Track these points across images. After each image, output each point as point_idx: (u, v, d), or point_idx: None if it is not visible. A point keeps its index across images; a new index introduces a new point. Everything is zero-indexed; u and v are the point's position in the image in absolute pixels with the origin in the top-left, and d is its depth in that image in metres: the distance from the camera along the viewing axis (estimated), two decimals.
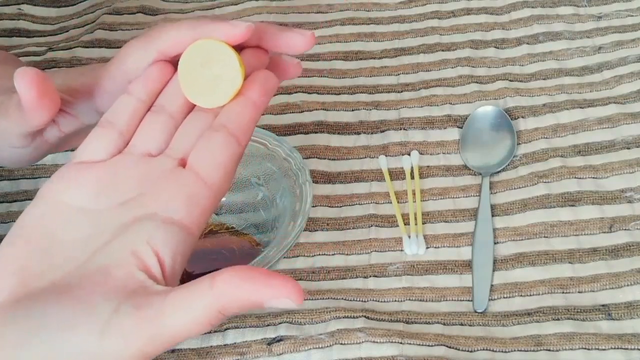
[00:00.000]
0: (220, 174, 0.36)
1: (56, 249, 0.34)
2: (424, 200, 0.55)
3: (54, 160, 0.61)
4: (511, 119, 0.59)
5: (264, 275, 0.31)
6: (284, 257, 0.52)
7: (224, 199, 0.55)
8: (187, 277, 0.51)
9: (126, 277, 0.32)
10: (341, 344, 0.46)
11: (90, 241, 0.34)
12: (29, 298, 0.32)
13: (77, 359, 0.31)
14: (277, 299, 0.31)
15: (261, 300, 0.31)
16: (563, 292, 0.49)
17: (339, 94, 0.63)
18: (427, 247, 0.52)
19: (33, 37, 0.72)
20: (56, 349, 0.31)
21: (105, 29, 0.70)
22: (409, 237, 0.53)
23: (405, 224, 0.54)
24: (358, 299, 0.50)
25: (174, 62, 0.39)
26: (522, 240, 0.52)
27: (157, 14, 0.72)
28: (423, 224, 0.54)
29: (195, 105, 0.39)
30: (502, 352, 0.46)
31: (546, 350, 0.46)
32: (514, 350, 0.46)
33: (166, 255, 0.33)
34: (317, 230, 0.54)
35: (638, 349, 0.45)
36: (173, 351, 0.48)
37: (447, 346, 0.46)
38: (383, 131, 0.60)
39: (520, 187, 0.55)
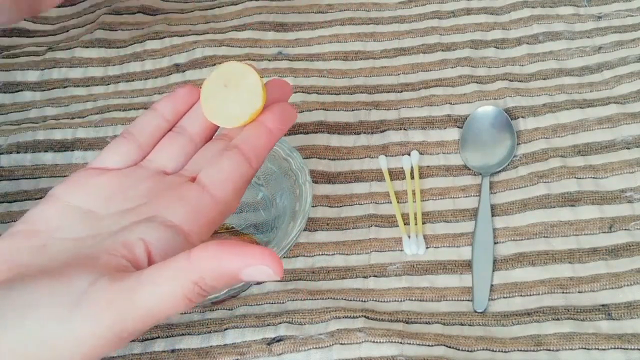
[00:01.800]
0: (227, 189, 0.36)
1: (52, 245, 0.34)
2: (424, 200, 0.55)
3: (54, 160, 0.61)
4: (511, 119, 0.59)
5: (240, 244, 0.31)
6: (284, 257, 0.52)
7: None
8: None
9: (111, 260, 0.32)
10: (341, 344, 0.46)
11: (87, 240, 0.34)
12: (10, 281, 0.32)
13: (46, 336, 0.30)
14: (253, 267, 0.31)
15: (237, 268, 0.31)
16: (563, 292, 0.49)
17: (339, 94, 0.63)
18: (427, 247, 0.52)
19: (33, 37, 0.72)
20: (27, 325, 0.30)
21: (105, 29, 0.70)
22: (409, 237, 0.53)
23: (405, 224, 0.54)
24: (358, 299, 0.50)
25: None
26: (522, 240, 0.52)
27: (157, 14, 0.72)
28: (423, 224, 0.54)
29: (216, 131, 0.40)
30: (502, 352, 0.46)
31: (546, 350, 0.46)
32: (514, 350, 0.46)
33: (157, 253, 0.33)
34: (317, 230, 0.54)
35: (638, 349, 0.45)
36: (173, 351, 0.48)
37: (447, 346, 0.46)
38: (383, 131, 0.60)
39: (520, 187, 0.55)
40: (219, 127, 0.41)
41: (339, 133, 0.60)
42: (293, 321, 0.48)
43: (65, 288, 0.31)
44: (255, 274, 0.31)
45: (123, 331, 0.31)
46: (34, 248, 0.34)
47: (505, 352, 0.46)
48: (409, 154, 0.58)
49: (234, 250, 0.31)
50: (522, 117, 0.59)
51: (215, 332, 0.48)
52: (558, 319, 0.47)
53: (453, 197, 0.55)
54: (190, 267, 0.30)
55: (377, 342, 0.46)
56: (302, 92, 0.63)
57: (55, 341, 0.30)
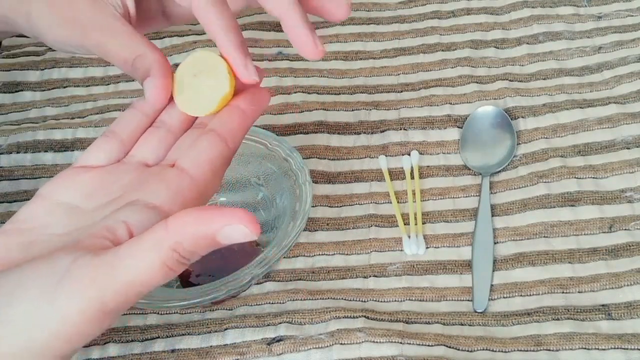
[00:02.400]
0: (205, 170, 0.38)
1: (40, 241, 0.35)
2: (424, 200, 0.55)
3: (54, 160, 0.61)
4: (511, 119, 0.59)
5: (215, 208, 0.32)
6: (284, 257, 0.52)
7: (223, 198, 0.56)
8: (187, 276, 0.51)
9: (93, 242, 0.33)
10: (341, 344, 0.46)
11: (73, 233, 0.35)
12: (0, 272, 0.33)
13: (35, 316, 0.31)
14: (229, 226, 0.31)
15: (213, 230, 0.31)
16: (563, 292, 0.49)
17: (339, 94, 0.63)
18: (427, 247, 0.52)
19: None
20: (14, 306, 0.31)
21: None
22: (409, 237, 0.53)
23: (405, 224, 0.54)
24: (358, 299, 0.50)
25: None
26: (522, 240, 0.52)
27: None
28: (423, 224, 0.54)
29: (194, 122, 0.41)
30: (502, 352, 0.46)
31: (546, 350, 0.46)
32: (514, 350, 0.46)
33: (139, 233, 0.33)
34: (317, 230, 0.54)
35: (638, 349, 0.45)
36: (173, 351, 0.48)
37: (447, 346, 0.46)
38: (383, 131, 0.60)
39: (520, 187, 0.55)
40: (197, 117, 0.42)
41: (339, 133, 0.60)
42: (293, 321, 0.48)
43: (50, 268, 0.32)
44: (231, 233, 0.31)
45: (105, 305, 0.31)
46: (23, 244, 0.35)
47: (505, 352, 0.46)
48: (409, 154, 0.58)
49: (208, 212, 0.31)
50: (522, 117, 0.59)
51: (215, 332, 0.48)
52: (558, 319, 0.47)
53: (453, 197, 0.55)
54: (167, 235, 0.31)
55: (377, 342, 0.46)
56: (302, 92, 0.63)
57: (43, 320, 0.31)
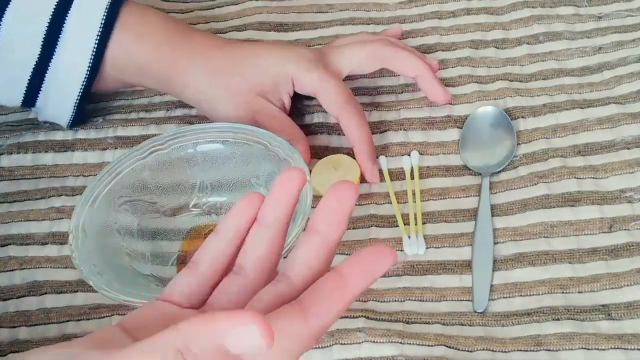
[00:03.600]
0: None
1: None
2: (424, 201, 0.55)
3: (54, 160, 0.61)
4: (511, 119, 0.59)
5: (227, 310, 0.28)
6: (284, 257, 0.52)
7: (224, 198, 0.56)
8: None
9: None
10: (341, 344, 0.46)
11: None
12: None
13: None
14: (236, 329, 0.28)
15: (217, 332, 0.28)
16: (563, 292, 0.49)
17: None
18: (427, 247, 0.52)
19: None
20: None
21: None
22: (409, 237, 0.53)
23: (405, 224, 0.54)
24: (358, 299, 0.50)
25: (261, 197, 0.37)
26: (522, 240, 0.52)
27: None
28: (423, 224, 0.54)
29: (274, 267, 0.36)
30: (502, 352, 0.46)
31: (546, 350, 0.46)
32: (514, 350, 0.46)
33: None
34: None
35: (638, 349, 0.45)
36: None
37: (447, 346, 0.46)
38: (383, 132, 0.60)
39: (520, 187, 0.55)
40: (278, 263, 0.37)
41: (339, 133, 0.60)
42: None
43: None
44: (240, 337, 0.28)
45: None
46: None
47: (505, 352, 0.46)
48: (409, 155, 0.58)
49: (219, 314, 0.28)
50: (522, 117, 0.59)
51: None
52: (558, 319, 0.47)
53: (453, 197, 0.55)
54: (175, 336, 0.29)
55: (377, 342, 0.46)
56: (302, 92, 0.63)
57: None
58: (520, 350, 0.46)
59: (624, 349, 0.45)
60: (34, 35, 0.55)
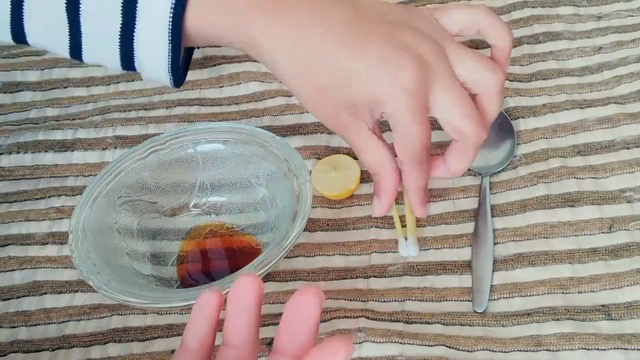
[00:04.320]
0: None
1: None
2: None
3: (54, 160, 0.61)
4: (511, 119, 0.59)
5: None
6: (284, 257, 0.52)
7: (224, 198, 0.56)
8: (188, 275, 0.51)
9: None
10: None
11: None
12: None
13: None
14: None
15: None
16: (563, 293, 0.49)
17: None
18: (427, 249, 0.52)
19: None
20: None
21: None
22: (406, 239, 0.53)
23: (402, 226, 0.54)
24: (358, 299, 0.50)
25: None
26: (521, 240, 0.52)
27: None
28: (422, 225, 0.54)
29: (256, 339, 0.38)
30: (502, 352, 0.46)
31: (546, 350, 0.46)
32: (514, 351, 0.46)
33: None
34: (317, 230, 0.54)
35: (638, 349, 0.45)
36: (173, 351, 0.48)
37: (447, 346, 0.46)
38: (383, 132, 0.60)
39: (520, 188, 0.55)
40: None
41: None
42: None
43: None
44: None
45: None
46: None
47: (505, 352, 0.46)
48: None
49: None
50: (522, 117, 0.59)
51: None
52: (558, 319, 0.47)
53: (453, 198, 0.55)
54: None
55: (377, 342, 0.46)
56: None
57: None
58: (520, 351, 0.46)
59: (624, 349, 0.45)
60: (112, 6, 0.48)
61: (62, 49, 0.50)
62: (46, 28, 0.49)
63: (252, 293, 0.35)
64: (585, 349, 0.46)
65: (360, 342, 0.46)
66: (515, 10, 0.67)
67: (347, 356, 0.31)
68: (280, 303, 0.50)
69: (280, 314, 0.48)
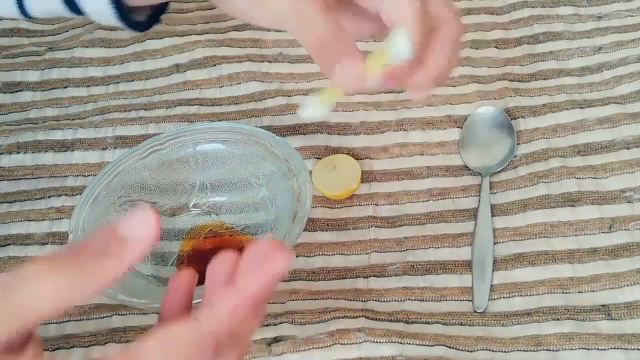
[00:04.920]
0: None
1: None
2: (424, 201, 0.55)
3: (54, 160, 0.61)
4: (511, 119, 0.59)
5: None
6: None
7: (224, 198, 0.56)
8: None
9: None
10: (341, 344, 0.46)
11: None
12: None
13: None
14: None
15: None
16: (563, 292, 0.49)
17: None
18: (427, 248, 0.52)
19: (33, 37, 0.72)
20: None
21: (106, 29, 0.70)
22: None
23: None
24: (358, 299, 0.50)
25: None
26: (522, 240, 0.52)
27: None
28: (423, 224, 0.54)
29: None
30: (502, 352, 0.46)
31: (546, 350, 0.46)
32: (514, 350, 0.46)
33: None
34: (317, 230, 0.54)
35: (638, 349, 0.45)
36: None
37: (447, 346, 0.46)
38: (383, 132, 0.60)
39: (520, 187, 0.55)
40: None
41: (338, 133, 0.60)
42: (293, 321, 0.48)
43: None
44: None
45: None
46: None
47: (505, 352, 0.46)
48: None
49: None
50: (522, 117, 0.59)
51: None
52: (558, 319, 0.47)
53: (453, 198, 0.55)
54: None
55: (377, 342, 0.46)
56: (302, 94, 0.63)
57: None
58: (520, 350, 0.46)
59: (624, 349, 0.45)
60: None
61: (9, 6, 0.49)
62: None
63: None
64: (585, 348, 0.46)
65: (360, 342, 0.46)
66: (515, 10, 0.67)
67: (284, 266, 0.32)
68: (280, 303, 0.50)
69: (280, 314, 0.49)
